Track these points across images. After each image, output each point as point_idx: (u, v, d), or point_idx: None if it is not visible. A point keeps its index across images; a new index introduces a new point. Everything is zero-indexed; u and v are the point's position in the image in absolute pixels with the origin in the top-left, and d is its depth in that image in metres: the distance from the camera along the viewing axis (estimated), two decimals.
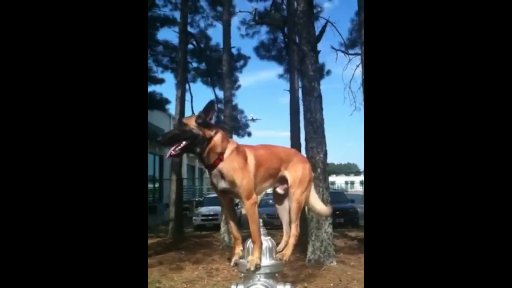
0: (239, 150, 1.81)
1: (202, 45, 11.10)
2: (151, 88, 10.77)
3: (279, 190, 2.10)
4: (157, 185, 15.53)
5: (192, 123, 1.73)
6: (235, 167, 1.75)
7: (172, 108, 11.14)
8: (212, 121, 1.83)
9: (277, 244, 2.11)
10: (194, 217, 11.70)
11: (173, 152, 1.70)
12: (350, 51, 10.16)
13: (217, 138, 1.77)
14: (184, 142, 1.70)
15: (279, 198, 2.11)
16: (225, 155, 1.77)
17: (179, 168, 9.01)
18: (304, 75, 5.65)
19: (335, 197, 8.91)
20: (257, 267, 1.79)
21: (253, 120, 18.65)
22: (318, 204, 2.18)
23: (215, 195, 13.44)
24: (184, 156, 13.53)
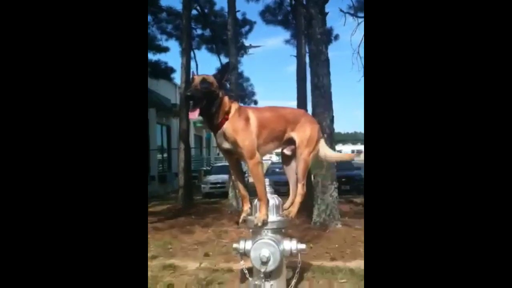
0: (241, 111, 1.83)
1: (206, 11, 10.74)
2: (156, 57, 10.60)
3: (287, 151, 2.12)
4: (165, 155, 15.77)
5: (214, 83, 1.71)
6: (237, 128, 1.77)
7: (177, 77, 11.05)
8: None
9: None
10: (202, 185, 11.98)
11: (197, 112, 1.68)
12: (359, 14, 9.72)
13: (226, 97, 1.79)
14: (205, 101, 1.69)
15: (287, 159, 2.14)
16: (230, 115, 1.79)
17: (187, 137, 9.08)
18: (311, 38, 5.48)
19: (341, 165, 8.95)
20: (265, 223, 1.86)
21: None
22: (329, 151, 2.20)
23: (222, 164, 13.67)
24: (191, 126, 13.59)
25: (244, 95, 11.98)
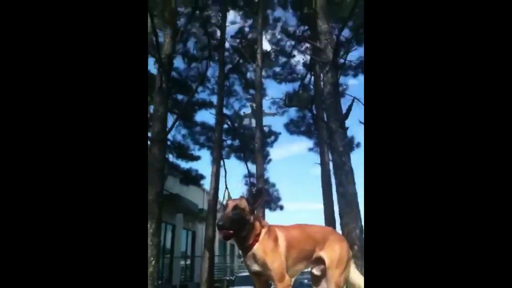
0: (270, 232, 1.87)
1: (236, 125, 11.90)
2: (188, 165, 11.40)
3: (316, 271, 2.08)
4: (188, 262, 15.16)
5: (246, 209, 1.80)
6: (266, 250, 1.78)
7: (206, 183, 11.55)
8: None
9: None
10: None
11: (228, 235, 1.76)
12: None
13: (257, 222, 1.87)
14: (236, 226, 1.75)
15: (317, 280, 2.08)
16: (260, 237, 1.84)
17: (212, 245, 8.92)
18: (334, 150, 5.81)
19: None
20: None
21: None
22: (358, 278, 2.10)
23: (246, 273, 12.74)
24: (216, 231, 13.39)
25: (270, 201, 12.07)
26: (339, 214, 5.48)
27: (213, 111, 10.48)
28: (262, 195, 1.97)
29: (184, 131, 11.68)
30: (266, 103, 12.33)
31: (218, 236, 15.49)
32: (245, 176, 11.81)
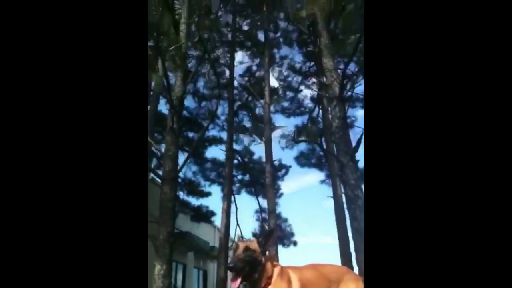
0: (283, 274, 1.82)
1: (246, 160, 11.97)
2: (198, 202, 11.36)
3: None
4: None
5: (258, 250, 1.78)
6: None
7: (217, 220, 11.41)
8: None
9: None
10: None
11: (239, 282, 1.71)
12: None
13: (268, 263, 1.84)
14: (247, 268, 1.72)
15: None
16: (272, 279, 1.79)
17: (224, 284, 8.61)
18: (346, 183, 5.75)
19: None
20: None
21: None
22: None
23: None
24: (228, 272, 12.89)
25: (283, 237, 11.75)
26: (355, 249, 5.30)
27: (223, 147, 10.64)
28: (272, 235, 1.94)
29: (194, 167, 11.81)
30: (275, 139, 12.42)
31: (229, 275, 15.00)
32: (257, 212, 11.66)
